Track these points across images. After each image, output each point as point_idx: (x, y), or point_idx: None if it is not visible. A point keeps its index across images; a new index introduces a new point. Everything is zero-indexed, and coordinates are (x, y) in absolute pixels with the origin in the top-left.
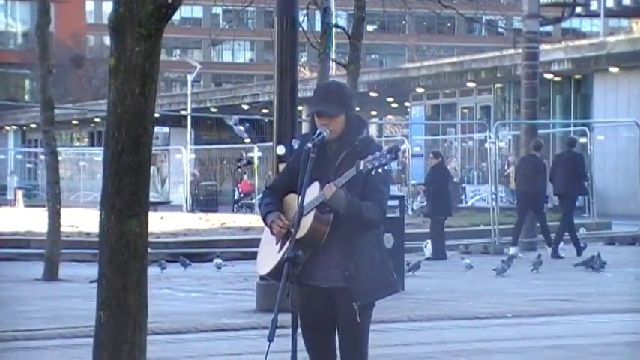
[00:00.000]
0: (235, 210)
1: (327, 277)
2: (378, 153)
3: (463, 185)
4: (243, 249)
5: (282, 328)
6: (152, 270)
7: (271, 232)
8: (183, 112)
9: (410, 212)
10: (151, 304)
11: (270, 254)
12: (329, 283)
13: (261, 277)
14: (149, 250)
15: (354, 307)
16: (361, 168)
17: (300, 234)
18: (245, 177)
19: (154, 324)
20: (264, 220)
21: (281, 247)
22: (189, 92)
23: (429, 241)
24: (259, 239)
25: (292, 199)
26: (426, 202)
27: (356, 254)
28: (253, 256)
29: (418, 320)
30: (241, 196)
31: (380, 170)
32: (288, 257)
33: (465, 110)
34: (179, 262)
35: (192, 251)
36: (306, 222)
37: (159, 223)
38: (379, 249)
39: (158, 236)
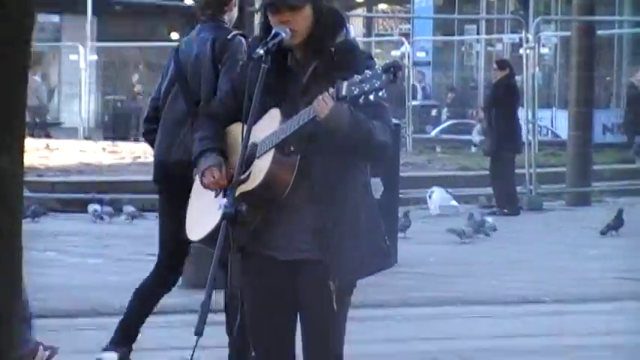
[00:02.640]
0: None
1: (290, 245)
2: (368, 72)
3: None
4: None
5: (216, 313)
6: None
7: (201, 183)
8: None
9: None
10: (30, 273)
11: (205, 211)
12: (291, 254)
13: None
14: (27, 195)
15: (329, 287)
16: (344, 93)
17: (251, 184)
18: None
19: (34, 303)
20: (195, 162)
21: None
22: None
23: (435, 190)
24: None
25: (239, 132)
26: (483, 134)
27: (336, 210)
28: None
29: (416, 305)
30: None
31: (371, 97)
32: (225, 214)
33: None
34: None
35: (90, 197)
36: (261, 167)
37: (43, 154)
38: (366, 202)
39: (41, 174)
